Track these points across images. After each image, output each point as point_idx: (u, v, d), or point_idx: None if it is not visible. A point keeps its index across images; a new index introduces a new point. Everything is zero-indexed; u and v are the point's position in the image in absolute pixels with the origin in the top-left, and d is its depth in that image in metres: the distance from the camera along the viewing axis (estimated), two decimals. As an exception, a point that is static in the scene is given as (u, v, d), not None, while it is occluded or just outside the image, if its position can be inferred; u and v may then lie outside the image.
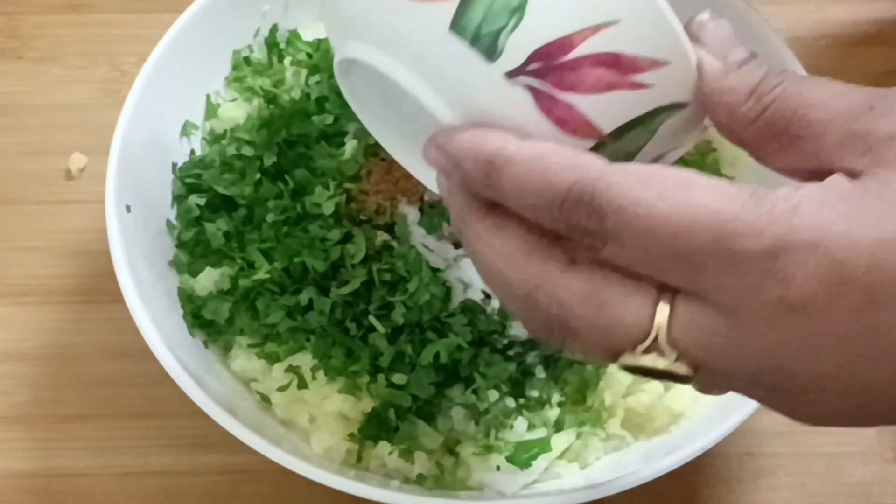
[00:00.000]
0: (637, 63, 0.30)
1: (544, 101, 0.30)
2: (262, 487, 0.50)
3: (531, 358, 0.48)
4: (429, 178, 0.37)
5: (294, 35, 0.58)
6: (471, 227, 0.32)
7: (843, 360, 0.27)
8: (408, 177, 0.49)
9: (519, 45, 0.29)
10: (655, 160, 0.34)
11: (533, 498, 0.46)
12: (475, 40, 0.30)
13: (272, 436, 0.45)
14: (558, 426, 0.48)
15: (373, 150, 0.52)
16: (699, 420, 0.48)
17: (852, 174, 0.28)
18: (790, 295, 0.26)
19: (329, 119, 0.53)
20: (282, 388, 0.48)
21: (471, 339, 0.47)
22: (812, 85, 0.30)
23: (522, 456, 0.47)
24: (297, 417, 0.49)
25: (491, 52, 0.29)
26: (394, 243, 0.49)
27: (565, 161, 0.29)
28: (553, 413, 0.48)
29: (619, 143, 0.31)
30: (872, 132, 0.28)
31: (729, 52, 0.31)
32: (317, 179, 0.51)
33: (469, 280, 0.48)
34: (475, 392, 0.47)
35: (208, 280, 0.51)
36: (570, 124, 0.30)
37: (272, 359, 0.49)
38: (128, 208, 0.49)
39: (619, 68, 0.30)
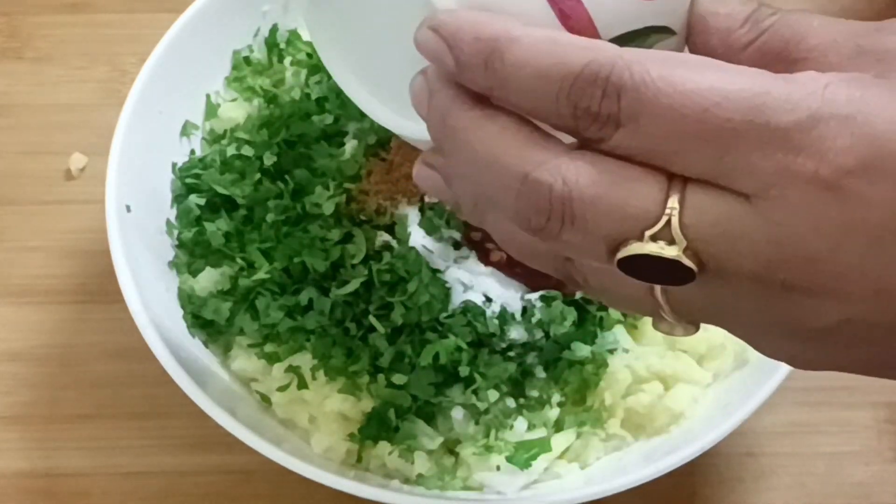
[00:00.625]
0: None
1: None
2: (262, 487, 0.50)
3: (531, 358, 0.48)
4: (397, 124, 0.35)
5: (294, 35, 0.58)
6: (457, 119, 0.29)
7: (879, 249, 0.25)
8: (408, 177, 0.49)
9: None
10: None
11: (533, 498, 0.46)
12: None
13: (272, 436, 0.45)
14: (558, 426, 0.48)
15: (373, 150, 0.52)
16: (699, 420, 0.48)
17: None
18: (824, 170, 0.25)
19: (329, 119, 0.53)
20: (282, 388, 0.48)
21: (470, 340, 0.47)
22: (808, 13, 0.29)
23: (522, 456, 0.47)
24: (297, 417, 0.49)
25: None
26: (394, 244, 0.49)
27: (579, 42, 0.27)
28: (553, 413, 0.48)
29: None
30: (881, 44, 0.27)
31: None
32: (317, 179, 0.51)
33: (469, 282, 0.48)
34: (475, 392, 0.47)
35: (208, 280, 0.51)
36: (574, 20, 0.29)
37: (272, 359, 0.49)
38: (128, 208, 0.49)
39: None
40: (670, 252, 0.27)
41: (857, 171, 0.25)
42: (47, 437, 0.52)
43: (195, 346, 0.50)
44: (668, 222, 0.26)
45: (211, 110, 0.56)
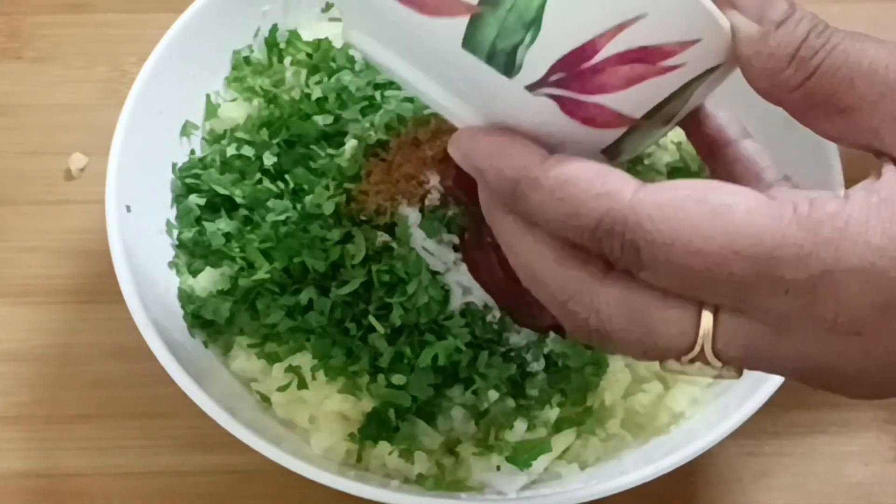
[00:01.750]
0: (666, 50, 0.28)
1: (569, 106, 0.28)
2: (262, 487, 0.50)
3: (531, 358, 0.48)
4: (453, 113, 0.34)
5: (294, 35, 0.58)
6: (498, 221, 0.30)
7: (891, 367, 0.27)
8: (408, 178, 0.49)
9: (538, 59, 0.27)
10: (685, 114, 0.32)
11: (533, 498, 0.46)
12: (490, 58, 0.28)
13: (272, 436, 0.45)
14: (558, 426, 0.48)
15: (373, 151, 0.52)
16: (699, 420, 0.48)
17: None
18: (841, 319, 0.26)
19: (329, 119, 0.53)
20: (282, 388, 0.48)
21: (469, 342, 0.47)
22: (861, 49, 0.27)
23: (522, 456, 0.47)
24: (297, 417, 0.49)
25: (509, 68, 0.28)
26: (394, 244, 0.49)
27: (593, 189, 0.27)
28: (553, 413, 0.48)
29: (652, 120, 0.30)
30: None
31: (767, 9, 0.28)
32: (317, 179, 0.51)
33: (468, 284, 0.48)
34: (475, 392, 0.47)
35: (208, 280, 0.51)
36: (599, 121, 0.29)
37: (272, 359, 0.49)
38: (128, 208, 0.49)
39: (648, 60, 0.28)
40: (709, 372, 0.29)
41: (874, 315, 0.26)
42: (47, 437, 0.52)
43: (195, 346, 0.50)
44: (702, 349, 0.28)
45: (211, 110, 0.56)
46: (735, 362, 0.28)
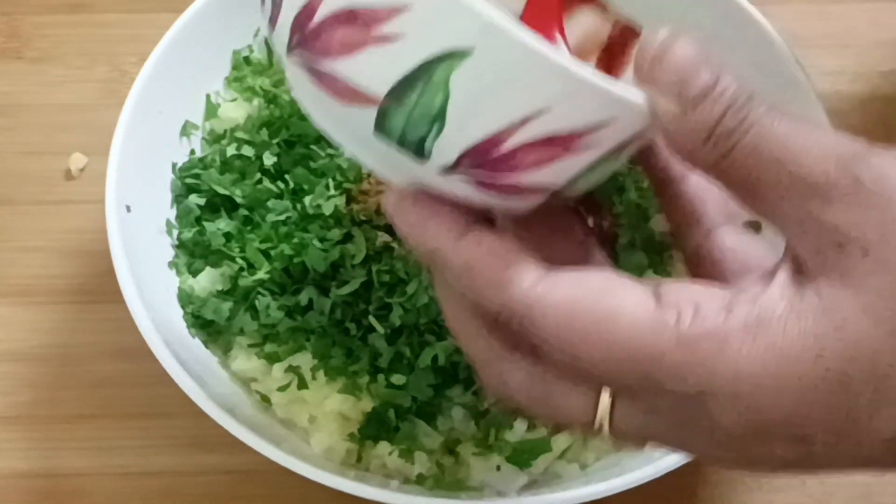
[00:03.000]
0: (578, 133, 0.28)
1: (485, 185, 0.29)
2: (262, 487, 0.50)
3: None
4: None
5: (294, 35, 0.58)
6: (435, 272, 0.32)
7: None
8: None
9: (447, 149, 0.28)
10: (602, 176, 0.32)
11: (533, 498, 0.46)
12: (401, 144, 0.28)
13: (272, 436, 0.45)
14: (558, 426, 0.48)
15: (373, 150, 0.52)
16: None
17: (802, 269, 0.27)
18: (718, 434, 0.27)
19: (329, 119, 0.53)
20: (282, 388, 0.48)
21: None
22: (777, 132, 0.26)
23: (522, 456, 0.47)
24: (297, 417, 0.49)
25: (419, 155, 0.28)
26: (394, 244, 0.49)
27: (494, 277, 0.29)
28: (553, 413, 0.48)
29: (578, 183, 0.30)
30: (823, 231, 0.26)
31: (686, 85, 0.27)
32: (317, 179, 0.51)
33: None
34: (475, 393, 0.47)
35: (208, 280, 0.51)
36: (519, 192, 0.29)
37: (272, 359, 0.49)
38: (128, 208, 0.49)
39: (560, 144, 0.28)
40: (614, 443, 0.32)
41: (745, 438, 0.27)
42: (47, 437, 0.52)
43: (195, 346, 0.50)
44: (601, 428, 0.30)
45: (211, 110, 0.56)
46: (634, 439, 0.30)
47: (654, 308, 0.27)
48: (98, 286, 0.55)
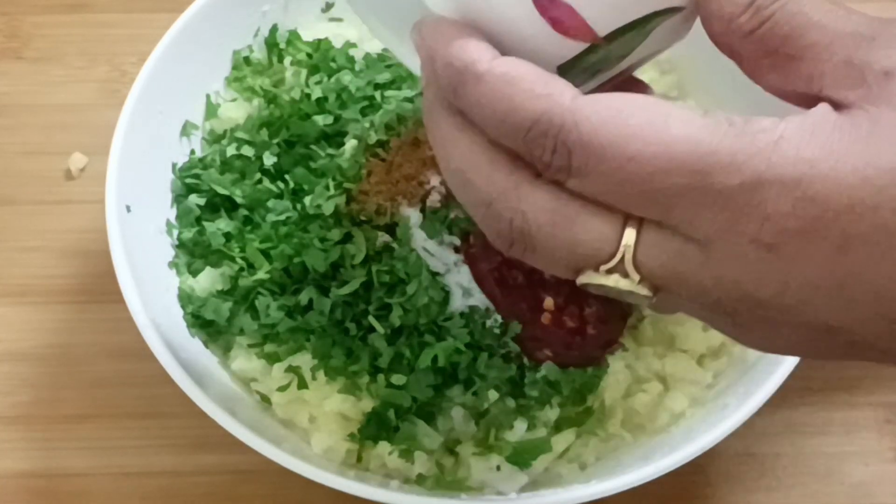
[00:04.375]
0: None
1: (543, 1, 0.29)
2: (262, 487, 0.50)
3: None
4: (417, 65, 0.35)
5: (294, 35, 0.58)
6: (438, 122, 0.31)
7: (810, 298, 0.27)
8: (408, 178, 0.49)
9: None
10: (640, 62, 0.33)
11: (533, 498, 0.46)
12: None
13: (272, 436, 0.45)
14: (558, 426, 0.48)
15: (373, 151, 0.52)
16: (699, 420, 0.48)
17: (841, 105, 0.27)
18: (765, 232, 0.26)
19: (329, 119, 0.53)
20: (282, 388, 0.48)
21: (469, 342, 0.47)
22: (814, 4, 0.28)
23: (522, 456, 0.47)
24: (297, 417, 0.49)
25: None
26: (394, 245, 0.49)
27: (536, 88, 0.28)
28: (553, 413, 0.48)
29: (611, 46, 0.30)
30: (869, 65, 0.27)
31: None
32: (317, 179, 0.51)
33: (469, 286, 0.48)
34: (475, 393, 0.47)
35: (208, 280, 0.51)
36: (567, 24, 0.29)
37: (272, 359, 0.49)
38: (128, 208, 0.49)
39: None
40: (625, 284, 0.29)
41: (797, 234, 0.26)
42: (47, 437, 0.52)
43: (195, 346, 0.50)
44: (623, 258, 0.28)
45: (211, 110, 0.56)
46: (653, 278, 0.28)
47: (704, 115, 0.27)
48: (98, 286, 0.55)
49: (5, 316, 0.55)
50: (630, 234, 0.28)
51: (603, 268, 0.28)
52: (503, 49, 0.29)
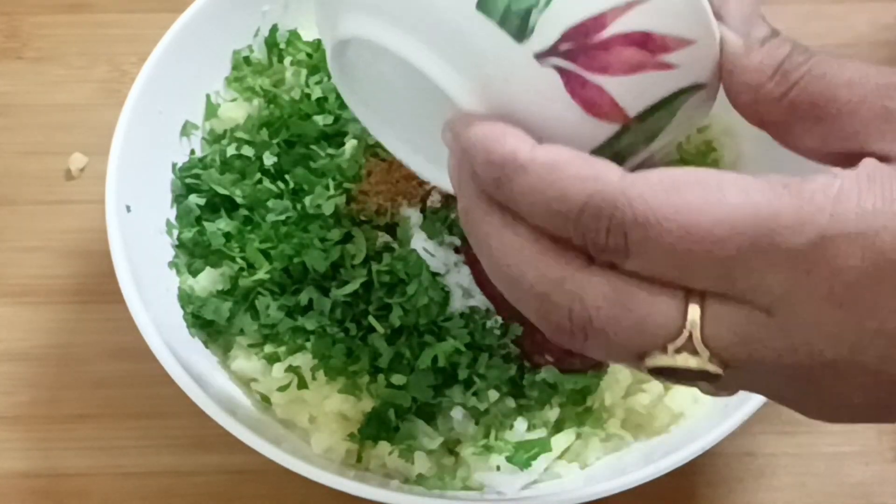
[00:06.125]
0: (667, 42, 0.29)
1: (573, 83, 0.29)
2: (262, 487, 0.50)
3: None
4: (432, 175, 0.36)
5: (294, 35, 0.58)
6: (478, 220, 0.30)
7: (889, 352, 0.26)
8: (408, 178, 0.49)
9: (550, 24, 0.28)
10: (667, 144, 0.33)
11: (533, 498, 0.46)
12: (504, 20, 0.28)
13: (272, 436, 0.45)
14: (558, 426, 0.48)
15: (372, 150, 0.52)
16: (699, 420, 0.48)
17: (888, 158, 0.27)
18: (837, 288, 0.26)
19: (329, 119, 0.53)
20: (282, 388, 0.48)
21: (469, 343, 0.47)
22: (840, 64, 0.28)
23: (522, 456, 0.47)
24: (297, 417, 0.49)
25: (521, 32, 0.28)
26: (395, 245, 0.49)
27: (581, 171, 0.27)
28: (553, 413, 0.48)
29: (642, 126, 0.30)
30: None
31: (752, 29, 0.30)
32: (317, 179, 0.51)
33: (469, 287, 0.48)
34: (475, 393, 0.47)
35: (208, 280, 0.51)
36: (598, 107, 0.29)
37: (272, 359, 0.49)
38: (128, 208, 0.49)
39: (649, 48, 0.28)
40: (695, 363, 0.27)
41: (871, 286, 0.25)
42: (47, 437, 0.52)
43: (195, 346, 0.50)
44: (690, 336, 0.27)
45: (211, 110, 0.56)
46: (723, 351, 0.27)
47: (759, 179, 0.26)
48: (98, 286, 0.55)
49: (5, 316, 0.55)
50: (694, 310, 0.27)
51: (670, 347, 0.27)
52: (536, 137, 0.29)
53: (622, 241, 0.27)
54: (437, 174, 0.35)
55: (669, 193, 0.26)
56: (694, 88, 0.30)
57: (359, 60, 0.33)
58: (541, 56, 0.28)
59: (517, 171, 0.28)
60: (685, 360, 0.27)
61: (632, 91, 0.29)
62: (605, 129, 0.30)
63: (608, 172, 0.27)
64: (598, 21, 0.28)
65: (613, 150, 0.30)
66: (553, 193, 0.27)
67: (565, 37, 0.28)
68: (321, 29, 0.35)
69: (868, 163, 0.27)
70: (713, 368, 0.28)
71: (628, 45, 0.28)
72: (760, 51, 0.29)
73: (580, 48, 0.28)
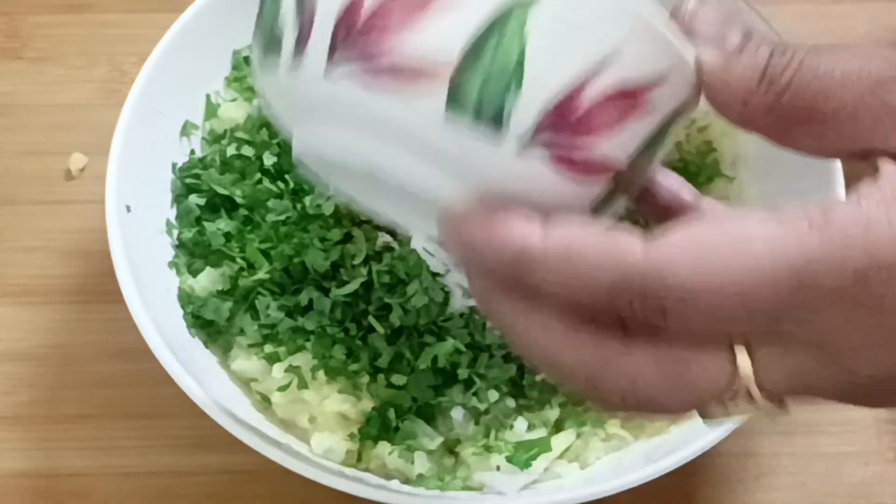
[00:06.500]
0: (642, 86, 0.28)
1: (561, 161, 0.28)
2: (262, 487, 0.50)
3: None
4: (422, 226, 0.34)
5: (294, 35, 0.58)
6: (499, 310, 0.29)
7: None
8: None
9: (526, 111, 0.27)
10: (661, 158, 0.32)
11: (533, 498, 0.46)
12: (477, 117, 0.27)
13: (272, 436, 0.45)
14: (558, 426, 0.48)
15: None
16: (699, 420, 0.48)
17: None
18: (886, 319, 0.25)
19: (329, 119, 0.53)
20: (282, 388, 0.48)
21: (469, 343, 0.47)
22: (831, 57, 0.27)
23: (522, 456, 0.47)
24: (297, 417, 0.49)
25: (497, 125, 0.27)
26: (395, 245, 0.49)
27: (601, 257, 0.26)
28: (553, 413, 0.48)
29: (636, 163, 0.30)
30: None
31: (726, 38, 0.28)
32: (317, 179, 0.51)
33: (469, 287, 0.48)
34: (475, 393, 0.47)
35: (208, 280, 0.51)
36: (589, 169, 0.28)
37: (272, 359, 0.49)
38: (128, 208, 0.49)
39: (627, 99, 0.28)
40: (754, 409, 0.27)
41: None
42: (47, 437, 0.52)
43: (195, 346, 0.50)
44: (747, 388, 0.27)
45: (211, 110, 0.56)
46: (780, 392, 0.27)
47: (780, 220, 0.25)
48: (98, 286, 0.55)
49: (5, 316, 0.55)
50: (745, 360, 0.27)
51: (727, 397, 0.27)
52: (535, 210, 0.28)
53: (660, 315, 0.26)
54: (422, 223, 0.33)
55: (699, 258, 0.25)
56: (679, 109, 0.30)
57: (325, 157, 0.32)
58: (523, 147, 0.27)
59: (534, 264, 0.27)
60: (745, 409, 0.27)
61: (619, 142, 0.28)
62: (600, 184, 0.29)
63: (629, 250, 0.26)
64: (573, 97, 0.27)
65: (613, 195, 0.30)
66: (576, 284, 0.26)
67: (544, 121, 0.27)
68: (279, 115, 0.34)
69: (888, 174, 0.26)
70: (770, 408, 0.28)
71: (607, 107, 0.27)
72: (739, 60, 0.28)
73: (560, 126, 0.27)
